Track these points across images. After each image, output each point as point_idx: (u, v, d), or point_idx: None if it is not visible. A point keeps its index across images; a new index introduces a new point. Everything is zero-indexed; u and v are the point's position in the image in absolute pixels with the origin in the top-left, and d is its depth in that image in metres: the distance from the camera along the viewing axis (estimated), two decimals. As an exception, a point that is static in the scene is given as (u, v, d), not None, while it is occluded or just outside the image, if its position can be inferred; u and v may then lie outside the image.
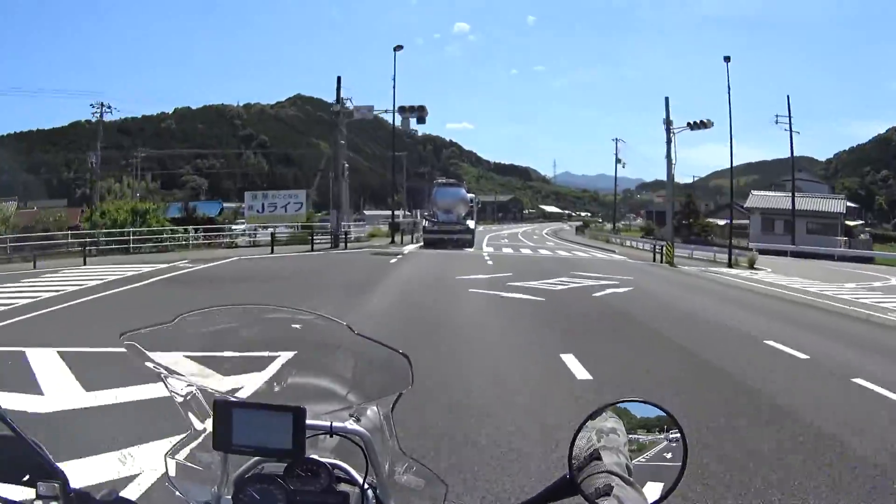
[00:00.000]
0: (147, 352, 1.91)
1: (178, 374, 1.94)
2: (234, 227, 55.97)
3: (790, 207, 73.31)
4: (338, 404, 1.93)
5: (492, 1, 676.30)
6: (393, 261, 34.45)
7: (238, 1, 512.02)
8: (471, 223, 53.80)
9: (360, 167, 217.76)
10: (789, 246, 64.71)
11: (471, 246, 50.11)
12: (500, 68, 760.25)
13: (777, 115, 79.57)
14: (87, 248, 36.58)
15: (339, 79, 47.71)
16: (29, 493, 1.54)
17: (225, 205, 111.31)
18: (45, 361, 10.41)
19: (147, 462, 6.34)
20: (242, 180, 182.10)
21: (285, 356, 2.14)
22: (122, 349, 1.85)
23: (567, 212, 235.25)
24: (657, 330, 15.57)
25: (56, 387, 8.98)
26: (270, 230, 48.43)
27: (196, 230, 48.79)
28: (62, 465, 1.56)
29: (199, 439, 1.94)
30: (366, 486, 1.82)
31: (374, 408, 1.95)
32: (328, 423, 1.79)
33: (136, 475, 6.09)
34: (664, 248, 43.89)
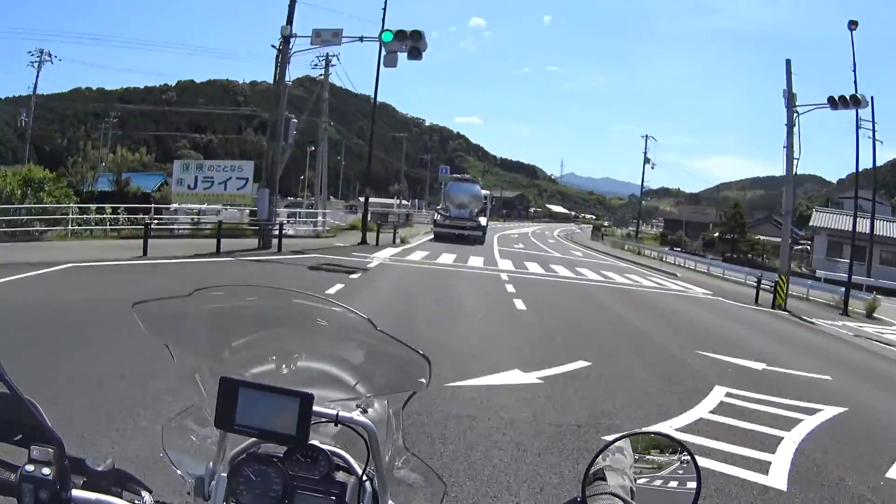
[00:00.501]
0: (158, 323, 1.85)
1: (186, 347, 1.89)
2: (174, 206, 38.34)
3: (863, 230, 55.88)
4: (346, 394, 1.88)
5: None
6: (335, 289, 17.48)
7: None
8: (483, 220, 50.91)
9: (363, 152, 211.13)
10: (864, 279, 47.69)
11: (481, 243, 47.24)
12: (512, 66, 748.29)
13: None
14: None
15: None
16: (21, 454, 1.47)
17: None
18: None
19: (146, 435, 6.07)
20: (240, 157, 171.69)
21: (299, 337, 2.02)
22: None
23: (573, 213, 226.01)
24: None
25: None
26: (221, 212, 35.07)
27: (115, 211, 32.40)
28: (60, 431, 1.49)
29: (200, 414, 1.87)
30: (364, 477, 1.78)
31: (384, 401, 1.92)
32: (335, 412, 1.74)
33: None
34: (776, 286, 28.38)
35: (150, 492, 1.64)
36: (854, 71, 31.94)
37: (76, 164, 43.67)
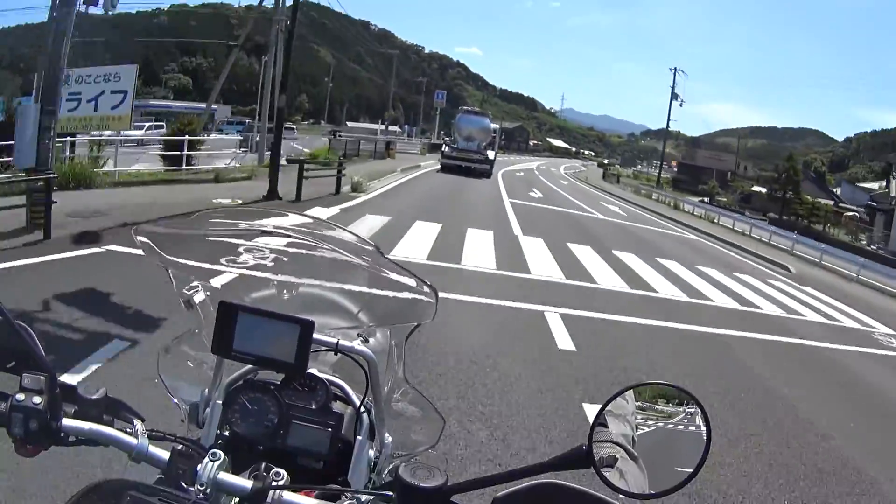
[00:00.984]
0: (158, 245, 1.75)
1: (187, 271, 1.80)
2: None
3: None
4: (348, 322, 1.83)
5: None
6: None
7: None
8: (490, 153, 48.89)
9: (360, 78, 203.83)
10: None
11: (488, 176, 45.95)
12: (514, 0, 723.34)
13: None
14: None
15: None
16: (14, 382, 1.42)
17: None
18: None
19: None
20: (229, 82, 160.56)
21: (302, 262, 1.97)
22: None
23: (573, 149, 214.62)
24: None
25: None
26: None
27: None
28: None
29: (198, 340, 1.81)
30: (362, 408, 1.75)
31: (386, 331, 1.89)
32: (335, 341, 1.69)
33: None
34: None
35: (143, 420, 1.52)
36: None
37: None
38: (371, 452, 1.77)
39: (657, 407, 1.46)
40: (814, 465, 6.41)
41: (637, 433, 1.44)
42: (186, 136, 25.76)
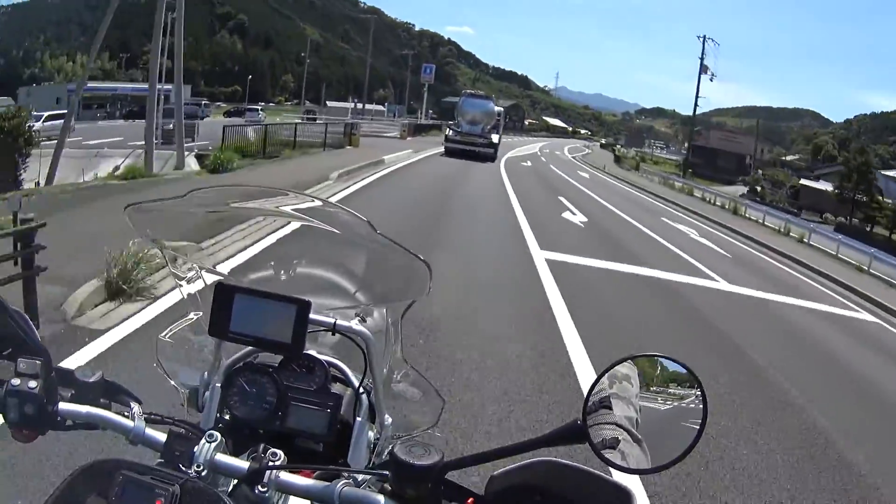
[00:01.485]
0: (151, 226, 1.71)
1: (182, 251, 1.79)
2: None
3: None
4: (344, 302, 1.77)
5: None
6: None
7: None
8: (495, 137, 45.28)
9: (349, 57, 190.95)
10: None
11: (493, 160, 42.07)
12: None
13: None
14: None
15: None
16: (9, 367, 1.38)
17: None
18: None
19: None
20: (211, 61, 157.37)
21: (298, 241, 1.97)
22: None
23: (570, 127, 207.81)
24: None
25: None
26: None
27: None
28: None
29: (196, 324, 1.79)
30: (361, 389, 1.69)
31: (383, 310, 1.81)
32: (332, 321, 1.63)
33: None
34: None
35: (140, 402, 1.49)
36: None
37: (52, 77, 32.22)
38: (371, 434, 1.71)
39: (653, 379, 1.39)
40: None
41: (632, 406, 1.36)
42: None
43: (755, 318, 11.91)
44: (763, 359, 8.93)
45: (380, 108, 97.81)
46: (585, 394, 1.34)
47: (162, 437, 1.39)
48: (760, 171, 74.85)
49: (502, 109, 57.01)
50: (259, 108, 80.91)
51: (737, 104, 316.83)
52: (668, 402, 1.37)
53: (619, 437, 1.31)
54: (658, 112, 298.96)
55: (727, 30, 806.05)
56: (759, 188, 63.74)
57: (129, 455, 1.31)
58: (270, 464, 1.33)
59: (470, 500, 1.34)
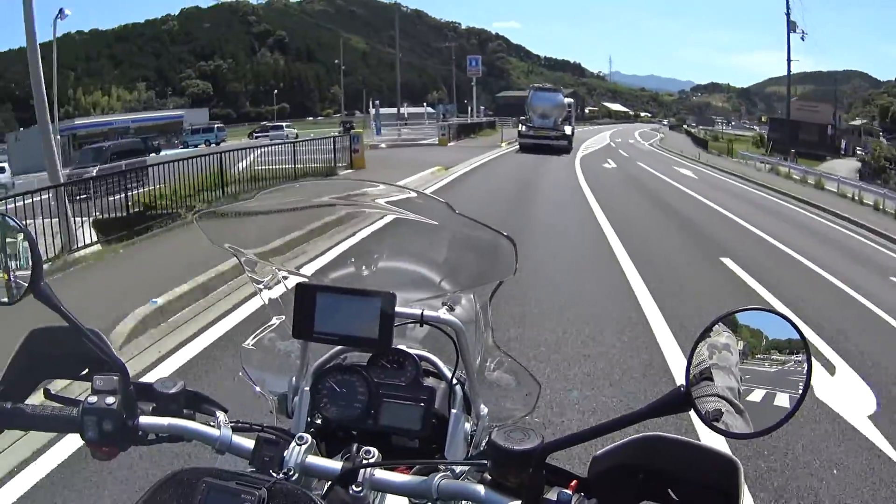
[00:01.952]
0: (224, 232, 1.64)
1: (259, 255, 1.65)
2: None
3: None
4: (430, 291, 1.67)
5: None
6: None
7: None
8: (567, 129, 43.21)
9: (395, 62, 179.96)
10: None
11: (567, 152, 39.83)
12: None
13: None
14: None
15: None
16: (86, 387, 1.33)
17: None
18: None
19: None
20: (254, 81, 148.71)
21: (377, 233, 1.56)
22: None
23: (630, 112, 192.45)
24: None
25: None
26: None
27: None
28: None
29: (280, 329, 1.70)
30: (454, 381, 1.61)
31: (470, 296, 1.70)
32: (419, 312, 1.56)
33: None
34: None
35: (226, 411, 1.41)
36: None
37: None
38: (467, 426, 1.60)
39: (754, 338, 1.27)
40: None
41: (734, 368, 1.25)
42: None
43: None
44: None
45: (429, 110, 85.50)
46: (686, 360, 1.25)
47: (250, 444, 1.31)
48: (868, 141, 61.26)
49: (572, 101, 52.48)
50: (285, 124, 70.24)
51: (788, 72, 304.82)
52: (771, 360, 1.24)
53: (722, 402, 1.21)
54: (713, 87, 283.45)
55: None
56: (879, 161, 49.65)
57: (217, 465, 1.27)
58: (364, 462, 1.28)
59: (573, 482, 1.23)
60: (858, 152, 67.95)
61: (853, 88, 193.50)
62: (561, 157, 33.68)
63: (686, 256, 11.87)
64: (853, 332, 7.87)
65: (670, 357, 6.24)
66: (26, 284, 1.35)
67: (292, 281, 1.59)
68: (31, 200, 10.21)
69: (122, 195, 12.41)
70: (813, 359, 1.18)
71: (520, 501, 1.18)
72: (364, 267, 1.71)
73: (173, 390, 1.36)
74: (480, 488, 1.20)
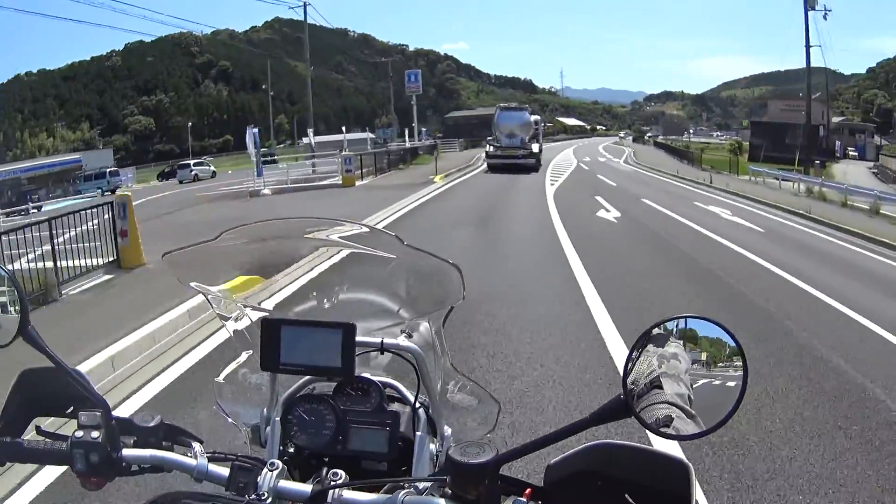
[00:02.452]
0: (191, 272, 1.68)
1: (224, 293, 1.71)
2: None
3: None
4: (389, 320, 1.72)
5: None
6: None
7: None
8: (535, 147, 42.44)
9: (342, 87, 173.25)
10: None
11: (536, 170, 39.44)
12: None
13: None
14: None
15: None
16: (72, 424, 1.40)
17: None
18: None
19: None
20: (197, 114, 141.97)
21: (335, 266, 1.65)
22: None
23: (587, 125, 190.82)
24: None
25: None
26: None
27: None
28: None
29: (249, 361, 1.74)
30: (417, 404, 1.64)
31: (426, 323, 1.74)
32: (379, 340, 1.62)
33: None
34: None
35: (202, 442, 1.48)
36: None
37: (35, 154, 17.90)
38: (432, 447, 1.64)
39: (687, 342, 1.31)
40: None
41: (670, 372, 1.29)
42: None
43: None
44: None
45: (370, 135, 72.01)
46: (622, 370, 1.27)
47: (226, 472, 1.39)
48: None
49: (539, 118, 51.64)
50: (203, 160, 59.96)
51: (744, 74, 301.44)
52: (706, 364, 1.28)
53: (662, 406, 1.25)
54: (667, 96, 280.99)
55: (714, 3, 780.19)
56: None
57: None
58: (332, 483, 1.33)
59: (528, 490, 1.29)
60: (851, 153, 60.82)
61: (816, 85, 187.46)
62: (527, 209, 20.95)
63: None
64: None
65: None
66: (16, 329, 1.39)
67: (257, 315, 1.60)
68: None
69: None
70: (747, 358, 1.25)
71: None
72: (325, 299, 1.74)
73: (152, 424, 1.42)
74: (441, 502, 1.25)
